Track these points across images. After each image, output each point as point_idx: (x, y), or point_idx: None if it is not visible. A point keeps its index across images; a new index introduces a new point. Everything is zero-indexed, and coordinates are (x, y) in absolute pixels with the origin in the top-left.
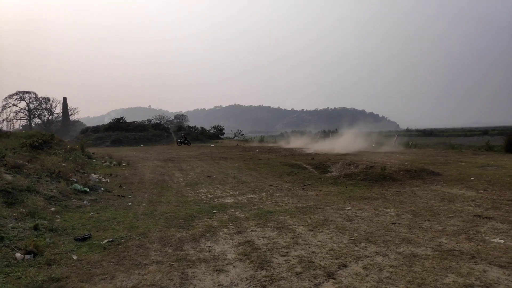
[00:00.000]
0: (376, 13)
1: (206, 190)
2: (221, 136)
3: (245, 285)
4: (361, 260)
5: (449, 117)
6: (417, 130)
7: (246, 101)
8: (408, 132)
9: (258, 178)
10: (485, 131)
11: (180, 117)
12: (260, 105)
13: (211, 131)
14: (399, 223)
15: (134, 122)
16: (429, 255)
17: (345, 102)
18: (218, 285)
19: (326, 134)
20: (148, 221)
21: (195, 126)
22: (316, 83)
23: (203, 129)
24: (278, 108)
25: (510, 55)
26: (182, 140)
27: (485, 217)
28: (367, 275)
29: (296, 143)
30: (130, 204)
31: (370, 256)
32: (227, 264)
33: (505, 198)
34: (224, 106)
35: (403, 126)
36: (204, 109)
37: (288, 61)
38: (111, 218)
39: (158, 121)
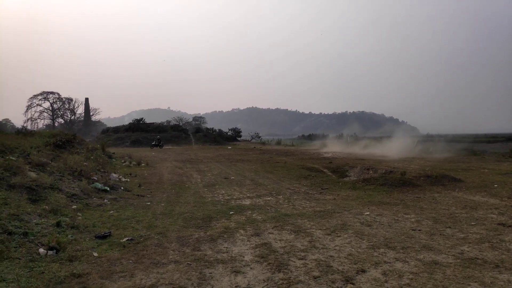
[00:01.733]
0: (395, 15)
1: (223, 192)
2: (238, 139)
3: (263, 287)
4: (380, 266)
5: (470, 123)
6: (439, 135)
7: (263, 104)
8: (429, 138)
9: (275, 180)
10: (509, 138)
11: (198, 119)
12: (277, 108)
13: (228, 133)
14: (419, 230)
15: (153, 123)
16: (451, 263)
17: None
18: (236, 286)
19: (352, 138)
20: (167, 220)
21: (212, 128)
22: (333, 86)
23: (220, 131)
24: (296, 111)
25: None
26: (156, 143)
27: (510, 226)
28: (386, 281)
29: (333, 148)
30: (149, 203)
31: (390, 262)
32: (244, 266)
33: None
34: (241, 108)
35: (424, 131)
36: (222, 111)
37: (306, 65)
38: (130, 217)
39: (177, 123)
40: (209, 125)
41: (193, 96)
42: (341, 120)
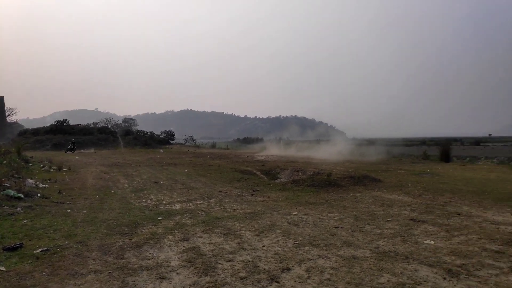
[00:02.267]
0: (328, 23)
1: (152, 197)
2: (172, 142)
3: None
4: (304, 263)
5: (391, 128)
6: (363, 140)
7: (199, 107)
8: (354, 141)
9: (208, 184)
10: (423, 141)
11: (128, 121)
12: (213, 111)
13: (161, 136)
14: (342, 227)
15: (78, 125)
16: (367, 257)
17: (297, 111)
18: None
19: (287, 141)
20: (88, 228)
21: (144, 131)
22: (269, 92)
23: (152, 133)
24: (232, 114)
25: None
26: (71, 147)
27: (419, 221)
28: (309, 278)
29: (272, 151)
30: (69, 211)
31: (313, 259)
32: (170, 271)
33: (437, 203)
34: (176, 111)
35: (350, 135)
36: (154, 113)
37: (243, 69)
38: (47, 226)
39: (105, 125)
40: (140, 127)
41: (123, 98)
42: (275, 124)
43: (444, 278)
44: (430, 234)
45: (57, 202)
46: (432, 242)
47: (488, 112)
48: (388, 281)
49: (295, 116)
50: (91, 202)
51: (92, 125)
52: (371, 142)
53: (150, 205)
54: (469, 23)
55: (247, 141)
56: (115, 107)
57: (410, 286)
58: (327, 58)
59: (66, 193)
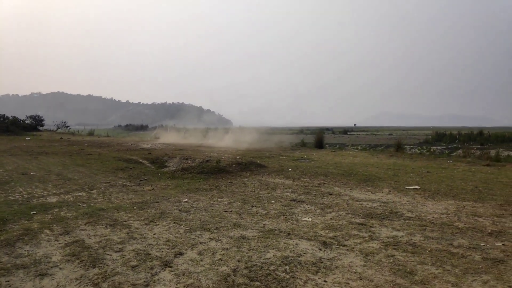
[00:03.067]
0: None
1: (21, 190)
2: (40, 128)
3: (74, 285)
4: (196, 247)
5: (275, 117)
6: (248, 127)
7: (72, 89)
8: (241, 129)
9: (88, 174)
10: (301, 130)
11: None
12: (90, 95)
13: (26, 122)
14: (231, 211)
15: None
16: (255, 236)
17: (184, 98)
18: None
19: (165, 128)
20: None
21: (4, 115)
22: (155, 77)
23: (15, 118)
24: (112, 99)
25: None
26: None
27: (298, 201)
28: (201, 260)
29: (168, 138)
30: None
31: (205, 242)
32: (52, 267)
33: (313, 184)
34: (44, 93)
35: (236, 123)
36: (17, 95)
37: (126, 48)
38: None
39: None
40: None
41: None
42: (161, 110)
43: (320, 249)
44: (308, 212)
45: None
46: (310, 219)
47: (355, 105)
48: (273, 256)
49: (182, 103)
50: None
51: None
52: (256, 130)
53: (20, 198)
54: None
55: (131, 128)
56: None
57: (293, 258)
58: (210, 43)
59: None
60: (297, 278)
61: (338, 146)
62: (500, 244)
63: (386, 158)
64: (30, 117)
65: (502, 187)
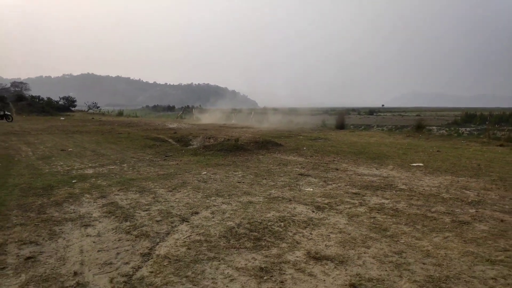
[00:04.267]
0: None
1: (62, 163)
2: (73, 109)
3: (112, 233)
4: (210, 208)
5: (302, 98)
6: (273, 109)
7: (101, 71)
8: (265, 110)
9: (119, 151)
10: (326, 111)
11: (19, 84)
12: (118, 76)
13: (60, 103)
14: (243, 182)
15: None
16: (261, 201)
17: (209, 79)
18: (87, 235)
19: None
20: (0, 193)
21: (39, 96)
22: (180, 59)
23: (50, 99)
24: (139, 80)
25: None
26: (2, 113)
27: (305, 175)
28: (213, 217)
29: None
30: None
31: (217, 205)
32: (93, 221)
33: (323, 161)
34: (75, 74)
35: (261, 104)
36: (50, 76)
37: (151, 33)
38: None
39: None
40: (34, 92)
41: (9, 58)
42: (187, 91)
43: (313, 211)
44: (311, 184)
45: None
46: (311, 189)
47: (382, 84)
48: (273, 215)
49: (208, 84)
50: None
51: None
52: (281, 111)
53: (61, 170)
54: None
55: (158, 109)
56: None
57: (288, 217)
58: (241, 29)
59: None
60: (288, 231)
61: (363, 127)
62: (474, 210)
63: (402, 138)
64: (63, 98)
65: (504, 165)
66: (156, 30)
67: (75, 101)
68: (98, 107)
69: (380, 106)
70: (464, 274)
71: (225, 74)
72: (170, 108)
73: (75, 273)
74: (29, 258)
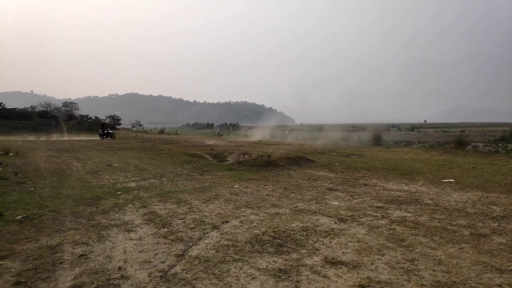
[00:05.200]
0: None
1: (108, 177)
2: (118, 127)
3: (151, 237)
4: (239, 218)
5: (338, 114)
6: (309, 125)
7: (144, 90)
8: (301, 127)
9: (159, 166)
10: (364, 128)
11: (69, 104)
12: (160, 95)
13: (106, 121)
14: (272, 195)
15: (15, 109)
16: (287, 213)
17: (246, 96)
18: (129, 239)
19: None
20: (56, 201)
21: (87, 115)
22: (218, 77)
23: (97, 118)
24: (180, 99)
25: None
26: (107, 132)
27: (333, 190)
28: (241, 226)
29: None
30: (32, 189)
31: (246, 216)
32: (135, 227)
33: (353, 177)
34: (120, 94)
35: (298, 121)
36: (97, 96)
37: (190, 52)
38: (17, 200)
39: (44, 108)
40: (82, 111)
41: (61, 79)
42: (226, 109)
43: (335, 223)
44: (337, 198)
45: (17, 182)
46: (337, 203)
47: (424, 100)
48: (296, 225)
49: (245, 102)
50: (51, 182)
51: (30, 108)
52: (316, 128)
53: (108, 183)
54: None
55: (198, 126)
56: (52, 89)
57: (311, 228)
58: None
59: (22, 175)
60: (310, 239)
61: (403, 143)
62: (496, 224)
63: (439, 154)
64: (109, 116)
65: None
66: (196, 49)
67: (120, 119)
68: (141, 125)
69: (422, 121)
70: (471, 280)
71: (260, 92)
72: (209, 126)
73: (120, 268)
74: (81, 255)
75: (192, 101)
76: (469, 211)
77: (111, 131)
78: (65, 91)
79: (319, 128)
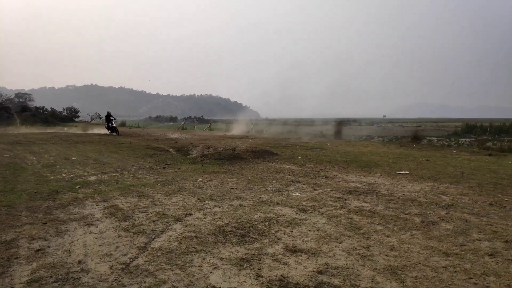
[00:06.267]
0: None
1: (66, 171)
2: (76, 119)
3: (112, 231)
4: (203, 211)
5: (300, 109)
6: (274, 119)
7: (104, 82)
8: (267, 121)
9: (120, 159)
10: (326, 121)
11: (23, 95)
12: (121, 87)
13: (63, 113)
14: (236, 188)
15: None
16: (250, 204)
17: (211, 90)
18: (90, 233)
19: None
20: (10, 196)
21: (43, 107)
22: (182, 69)
23: (53, 110)
24: (142, 91)
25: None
26: (111, 125)
27: (296, 181)
28: (205, 218)
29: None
30: None
31: (210, 208)
32: (95, 221)
33: (314, 170)
34: (78, 85)
35: (263, 115)
36: (53, 87)
37: (152, 44)
38: None
39: None
40: (38, 103)
41: (12, 70)
42: (190, 102)
43: (297, 213)
44: (299, 190)
45: None
46: (299, 194)
47: (385, 96)
48: (259, 216)
49: (210, 95)
50: (4, 176)
51: None
52: (281, 122)
53: (66, 177)
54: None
55: (161, 119)
56: (3, 80)
57: (273, 218)
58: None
59: None
60: (271, 229)
61: (364, 137)
62: (444, 213)
63: (396, 148)
64: (66, 109)
65: (486, 173)
66: (159, 41)
67: (79, 111)
68: (101, 117)
69: (382, 117)
70: (420, 264)
71: (225, 85)
72: (173, 119)
73: (80, 262)
74: (38, 250)
75: (155, 93)
76: (421, 201)
77: (114, 124)
78: (18, 82)
79: (284, 122)
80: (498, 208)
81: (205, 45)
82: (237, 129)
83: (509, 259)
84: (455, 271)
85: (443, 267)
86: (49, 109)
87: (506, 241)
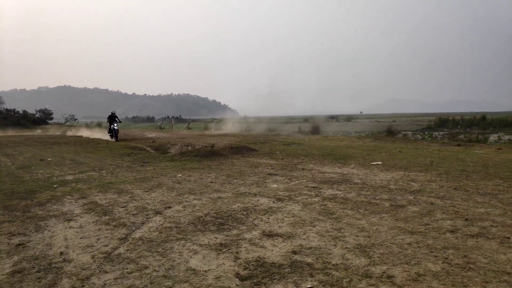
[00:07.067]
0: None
1: (42, 171)
2: (50, 122)
3: (92, 225)
4: (182, 203)
5: (280, 108)
6: (253, 117)
7: (78, 83)
8: (245, 119)
9: (98, 159)
10: (306, 119)
11: None
12: (96, 88)
13: (36, 116)
14: (215, 182)
15: None
16: (229, 196)
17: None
18: (70, 227)
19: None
20: None
21: (14, 109)
22: (159, 69)
23: (25, 112)
24: (118, 91)
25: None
26: (113, 128)
27: (273, 174)
28: (184, 210)
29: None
30: None
31: (189, 201)
32: (75, 216)
33: (292, 163)
34: (51, 87)
35: (242, 113)
36: (24, 89)
37: (129, 43)
38: None
39: None
40: (8, 105)
41: None
42: (167, 102)
43: (274, 202)
44: (277, 181)
45: None
46: (276, 186)
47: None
48: (238, 206)
49: (188, 94)
50: None
51: None
52: (261, 120)
53: (42, 178)
54: None
55: (138, 120)
56: None
57: (251, 207)
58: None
59: None
60: (249, 217)
61: (341, 133)
62: (412, 197)
63: (371, 141)
64: (39, 111)
65: (453, 161)
66: (135, 42)
67: (52, 113)
68: (75, 119)
69: (359, 113)
70: (387, 242)
71: (204, 84)
72: (150, 119)
73: (61, 253)
74: (19, 244)
75: (131, 93)
76: (391, 188)
77: (117, 127)
78: None
79: (259, 120)
80: (462, 192)
81: (183, 43)
82: (217, 128)
83: (467, 234)
84: (419, 247)
85: (408, 243)
86: (21, 112)
87: (466, 219)
